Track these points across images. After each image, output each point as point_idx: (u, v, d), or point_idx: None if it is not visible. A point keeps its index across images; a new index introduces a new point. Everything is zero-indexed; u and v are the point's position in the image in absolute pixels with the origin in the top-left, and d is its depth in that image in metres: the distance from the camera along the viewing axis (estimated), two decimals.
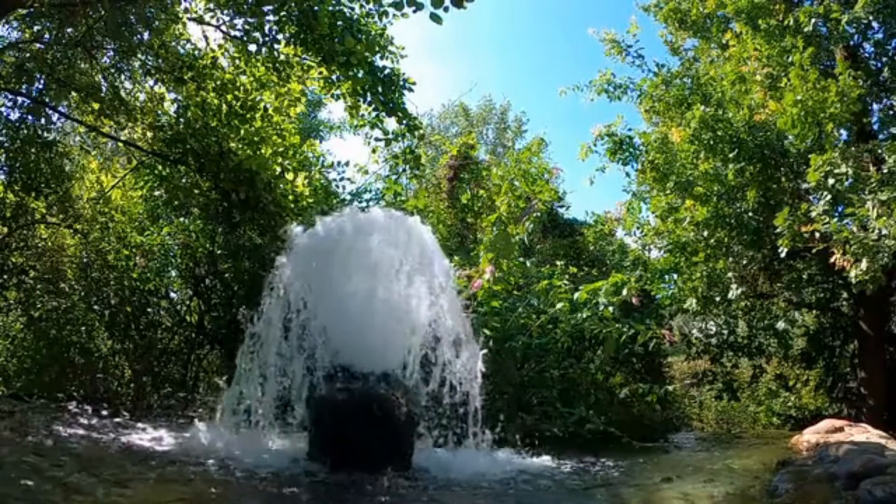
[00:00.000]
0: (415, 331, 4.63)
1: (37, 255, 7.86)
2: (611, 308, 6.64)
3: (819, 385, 12.62)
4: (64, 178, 7.79)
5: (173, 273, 8.47)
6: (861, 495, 2.81)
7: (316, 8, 6.36)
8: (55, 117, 7.82)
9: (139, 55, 7.33)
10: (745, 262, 10.05)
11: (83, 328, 8.00)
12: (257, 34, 6.81)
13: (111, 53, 7.53)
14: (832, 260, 7.64)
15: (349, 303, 4.35)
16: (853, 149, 8.06)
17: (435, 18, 4.27)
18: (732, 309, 11.28)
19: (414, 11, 4.55)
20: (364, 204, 9.74)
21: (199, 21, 7.23)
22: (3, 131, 7.38)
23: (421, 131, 8.18)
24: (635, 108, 11.50)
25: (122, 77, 7.80)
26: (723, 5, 9.91)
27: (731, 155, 8.96)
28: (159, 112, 7.67)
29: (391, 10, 6.42)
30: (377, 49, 7.14)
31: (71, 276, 7.91)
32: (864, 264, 7.23)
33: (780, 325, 12.02)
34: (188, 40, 7.59)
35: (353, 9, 6.74)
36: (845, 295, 10.77)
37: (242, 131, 7.42)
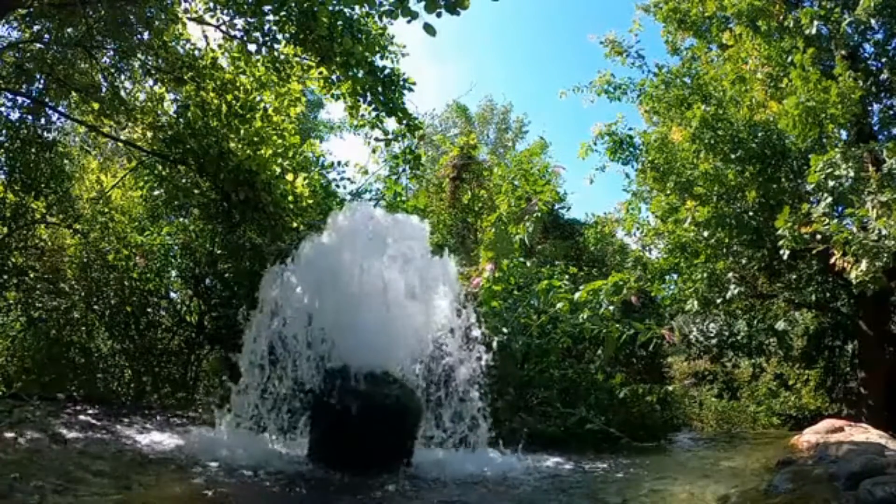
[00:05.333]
0: (416, 331, 4.63)
1: (37, 255, 7.85)
2: (611, 308, 6.64)
3: (819, 385, 12.63)
4: (64, 178, 7.79)
5: (173, 273, 8.47)
6: (861, 495, 2.80)
7: (315, 9, 6.36)
8: (55, 117, 7.83)
9: (139, 55, 7.32)
10: (745, 262, 10.06)
11: (83, 328, 8.00)
12: (257, 34, 6.80)
13: (111, 53, 7.53)
14: (832, 260, 7.65)
15: (350, 303, 4.35)
16: (853, 149, 8.07)
17: (428, 29, 4.21)
18: (732, 309, 11.29)
19: (408, 21, 4.49)
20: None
21: (199, 21, 7.22)
22: (3, 131, 7.38)
23: (421, 131, 8.17)
24: (635, 108, 11.52)
25: (122, 77, 7.80)
26: (723, 7, 9.93)
27: (732, 155, 8.97)
28: (159, 112, 7.67)
29: (390, 10, 6.41)
30: (377, 49, 7.14)
31: (71, 276, 7.91)
32: (863, 265, 7.24)
33: (780, 325, 12.03)
34: (188, 40, 7.58)
35: (353, 9, 6.74)
36: (845, 295, 10.78)
37: (242, 131, 7.42)
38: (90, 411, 5.19)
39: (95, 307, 7.93)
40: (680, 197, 10.01)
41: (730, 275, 9.92)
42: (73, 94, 7.44)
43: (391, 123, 7.68)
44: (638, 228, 11.85)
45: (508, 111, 26.91)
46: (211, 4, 7.03)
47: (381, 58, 7.32)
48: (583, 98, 11.73)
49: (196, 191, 7.66)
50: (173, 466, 3.62)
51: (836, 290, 11.04)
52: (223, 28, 7.12)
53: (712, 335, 12.83)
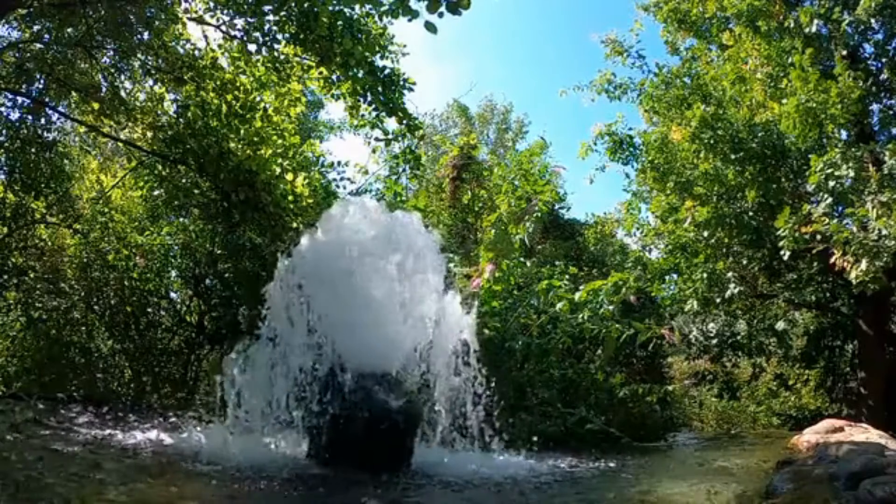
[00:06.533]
0: (416, 332, 4.62)
1: (37, 255, 7.86)
2: (611, 308, 6.64)
3: (819, 385, 12.64)
4: (64, 178, 7.80)
5: (173, 273, 8.47)
6: (861, 495, 2.80)
7: (316, 9, 6.36)
8: (55, 117, 7.84)
9: (139, 55, 7.32)
10: (745, 262, 10.06)
11: (83, 328, 8.00)
12: (257, 34, 6.81)
13: (111, 53, 7.53)
14: (832, 260, 7.65)
15: (351, 304, 4.35)
16: (853, 150, 8.08)
17: (429, 28, 4.20)
18: (732, 309, 11.30)
19: (409, 20, 4.48)
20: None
21: (199, 21, 7.22)
22: (3, 131, 7.38)
23: (421, 131, 8.18)
24: (635, 107, 11.55)
25: (122, 77, 7.80)
26: (723, 8, 9.93)
27: (732, 156, 8.98)
28: (159, 112, 7.67)
29: (391, 9, 6.41)
30: (377, 49, 7.14)
31: (71, 276, 7.91)
32: (863, 265, 7.25)
33: (780, 325, 12.03)
34: (188, 40, 7.59)
35: (353, 9, 6.74)
36: (845, 295, 10.78)
37: (242, 131, 7.42)
38: (90, 411, 5.19)
39: (95, 307, 7.93)
40: (680, 197, 10.02)
41: (730, 275, 9.92)
42: (73, 94, 7.44)
43: (391, 123, 7.69)
44: (638, 228, 11.87)
45: (509, 111, 26.90)
46: (211, 4, 7.03)
47: (381, 58, 7.33)
48: (583, 97, 11.79)
49: (196, 191, 7.67)
50: (173, 466, 3.62)
51: (836, 290, 11.04)
52: (223, 28, 7.12)
53: (712, 335, 12.83)
